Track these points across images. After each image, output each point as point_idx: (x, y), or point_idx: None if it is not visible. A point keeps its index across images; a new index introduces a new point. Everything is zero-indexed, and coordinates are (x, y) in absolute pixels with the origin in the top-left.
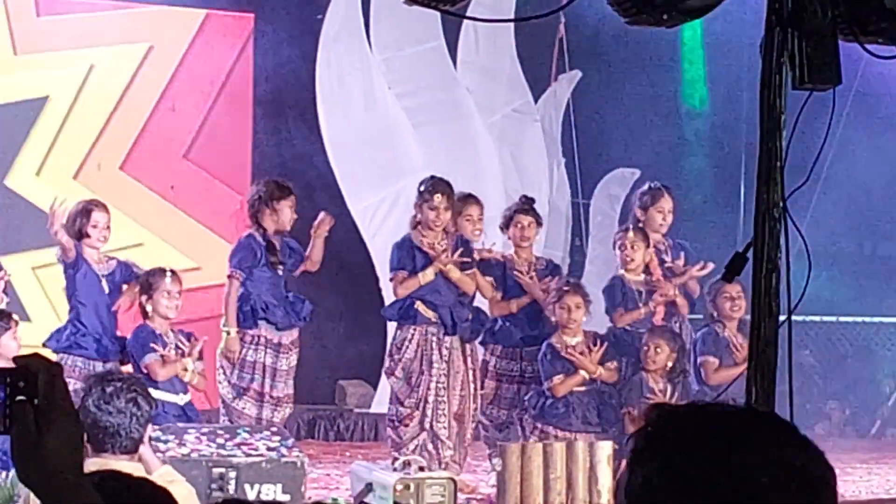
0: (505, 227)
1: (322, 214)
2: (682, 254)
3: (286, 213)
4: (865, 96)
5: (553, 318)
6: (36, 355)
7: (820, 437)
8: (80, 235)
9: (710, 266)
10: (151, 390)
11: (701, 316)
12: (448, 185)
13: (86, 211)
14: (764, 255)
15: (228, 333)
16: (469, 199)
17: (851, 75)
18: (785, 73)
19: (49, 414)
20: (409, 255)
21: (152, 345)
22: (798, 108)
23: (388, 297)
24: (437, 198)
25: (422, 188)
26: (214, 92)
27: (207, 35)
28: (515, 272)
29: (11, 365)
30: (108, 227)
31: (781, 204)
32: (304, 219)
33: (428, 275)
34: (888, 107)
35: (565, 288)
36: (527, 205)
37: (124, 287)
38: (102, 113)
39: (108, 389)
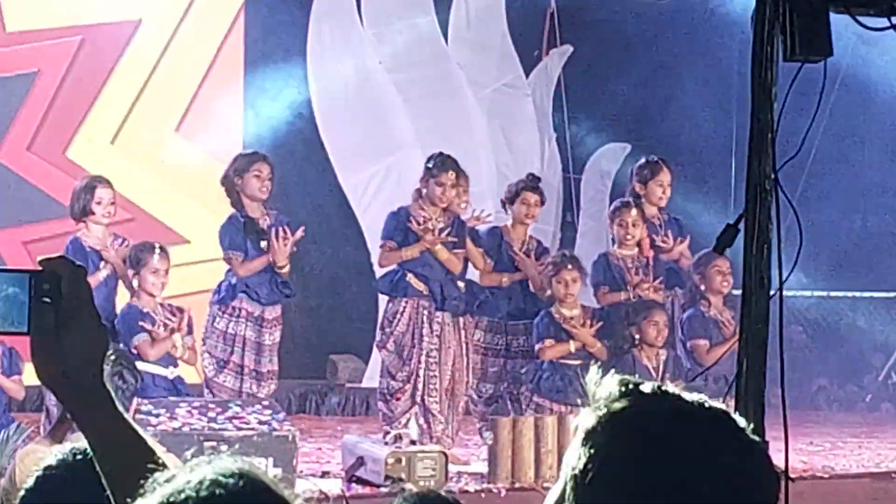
0: (510, 202)
1: (299, 232)
2: (676, 230)
3: (252, 183)
4: (857, 70)
5: (547, 292)
6: (61, 258)
7: (810, 412)
8: (85, 213)
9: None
10: (141, 363)
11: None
12: (457, 163)
13: (90, 187)
14: (755, 228)
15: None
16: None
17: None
18: (776, 45)
19: (71, 316)
20: (401, 227)
21: (140, 324)
22: (790, 81)
23: (380, 271)
24: (447, 175)
25: (430, 164)
26: (206, 66)
27: (198, 9)
28: (512, 251)
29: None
30: (113, 203)
31: (773, 176)
32: (295, 194)
33: (412, 251)
34: (880, 81)
35: (561, 261)
36: (535, 182)
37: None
38: (93, 87)
39: None
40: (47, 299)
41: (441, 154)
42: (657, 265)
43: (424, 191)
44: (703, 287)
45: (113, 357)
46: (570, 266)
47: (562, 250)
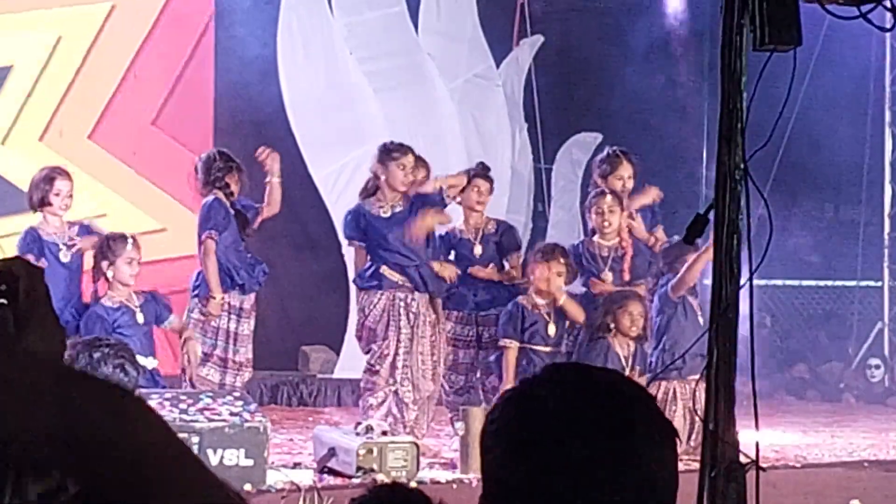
0: (460, 190)
1: (264, 150)
2: (650, 217)
3: (233, 187)
4: (828, 58)
5: (531, 278)
6: (18, 258)
7: (784, 401)
8: (43, 203)
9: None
10: None
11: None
12: (413, 150)
13: (48, 178)
14: (725, 217)
15: (213, 298)
16: (417, 161)
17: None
18: (746, 34)
19: (28, 317)
20: (358, 224)
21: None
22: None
23: (350, 263)
24: (408, 158)
25: (387, 147)
26: (180, 59)
27: (172, 1)
28: (467, 239)
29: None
30: (71, 196)
31: (742, 165)
32: (261, 185)
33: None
34: (851, 68)
35: (550, 252)
36: (486, 170)
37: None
38: (67, 80)
39: (96, 356)
40: (3, 300)
41: (394, 141)
42: (637, 256)
43: (383, 177)
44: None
45: (114, 350)
46: (559, 259)
47: (550, 242)
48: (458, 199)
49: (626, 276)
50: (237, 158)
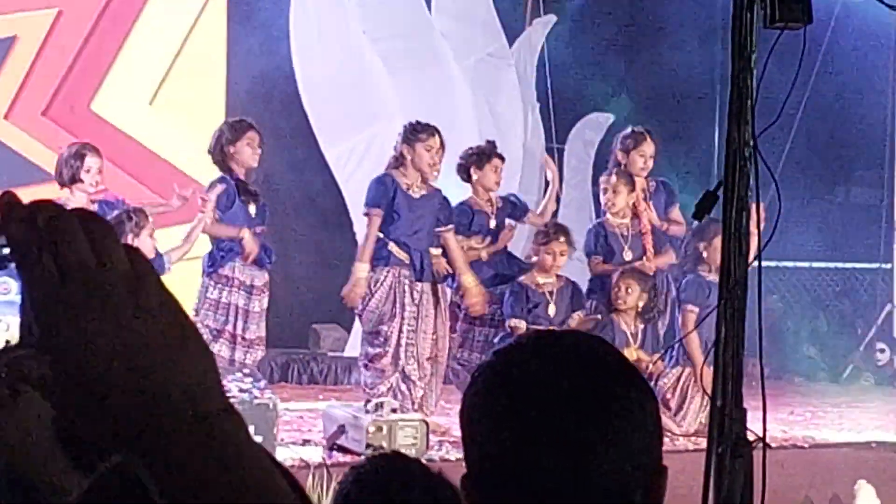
0: (477, 167)
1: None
2: (664, 196)
3: (245, 151)
4: (840, 40)
5: (534, 258)
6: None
7: (792, 382)
8: (73, 180)
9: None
10: None
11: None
12: (437, 129)
13: (79, 155)
14: (734, 195)
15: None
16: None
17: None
18: (756, 12)
19: None
20: (387, 193)
21: None
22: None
23: (361, 240)
24: (435, 139)
25: (413, 128)
26: (186, 30)
27: None
28: (484, 212)
29: None
30: (101, 172)
31: (752, 143)
32: (278, 165)
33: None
34: (862, 49)
35: (554, 232)
36: (495, 147)
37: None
38: (71, 52)
39: None
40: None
41: (419, 121)
42: (655, 235)
43: (409, 157)
44: (705, 255)
45: None
46: (561, 238)
47: (553, 220)
48: (475, 176)
49: (627, 256)
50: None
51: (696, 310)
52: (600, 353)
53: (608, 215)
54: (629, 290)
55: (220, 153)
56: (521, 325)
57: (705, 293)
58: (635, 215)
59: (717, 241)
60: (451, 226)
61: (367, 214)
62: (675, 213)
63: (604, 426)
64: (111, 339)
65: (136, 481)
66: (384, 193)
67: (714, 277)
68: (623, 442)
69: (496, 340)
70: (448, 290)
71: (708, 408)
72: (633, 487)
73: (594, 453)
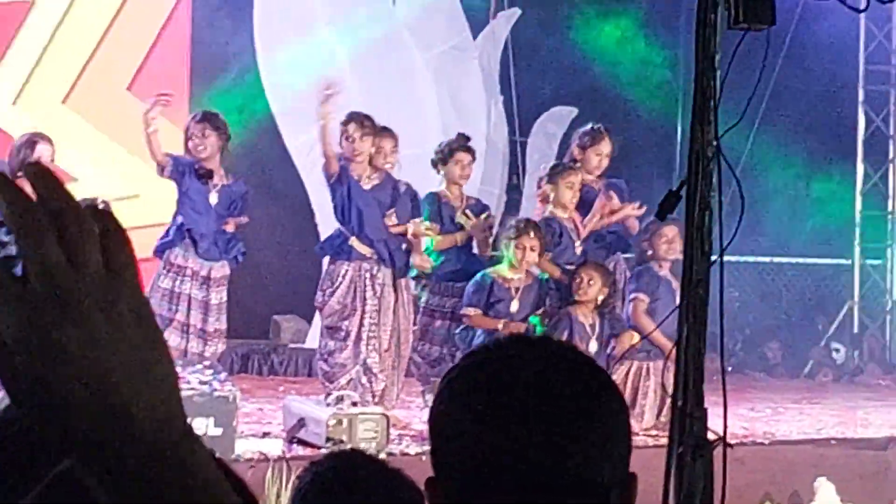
0: (442, 163)
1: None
2: (616, 193)
3: (194, 140)
4: (801, 40)
5: (489, 252)
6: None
7: (753, 378)
8: (22, 168)
9: (644, 208)
10: None
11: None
12: (360, 116)
13: (30, 143)
14: (697, 194)
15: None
16: (383, 131)
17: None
18: (720, 13)
19: None
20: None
21: None
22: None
23: (324, 233)
24: (351, 126)
25: (342, 120)
26: (156, 26)
27: None
28: (461, 213)
29: None
30: (52, 160)
31: (715, 143)
32: (244, 156)
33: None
34: (825, 46)
35: (524, 228)
36: (465, 141)
37: None
38: (41, 45)
39: None
40: None
41: (352, 112)
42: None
43: (339, 150)
44: (650, 253)
45: None
46: (532, 234)
47: (524, 216)
48: (442, 171)
49: (578, 250)
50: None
51: (646, 299)
52: (576, 359)
53: (555, 209)
54: (591, 282)
55: (188, 137)
56: (475, 313)
57: (655, 285)
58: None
59: (656, 239)
60: (419, 220)
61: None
62: (628, 211)
63: (583, 430)
64: (79, 349)
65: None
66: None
67: (664, 272)
68: (601, 446)
69: (456, 333)
70: (410, 283)
71: (661, 401)
72: (610, 491)
73: (573, 457)
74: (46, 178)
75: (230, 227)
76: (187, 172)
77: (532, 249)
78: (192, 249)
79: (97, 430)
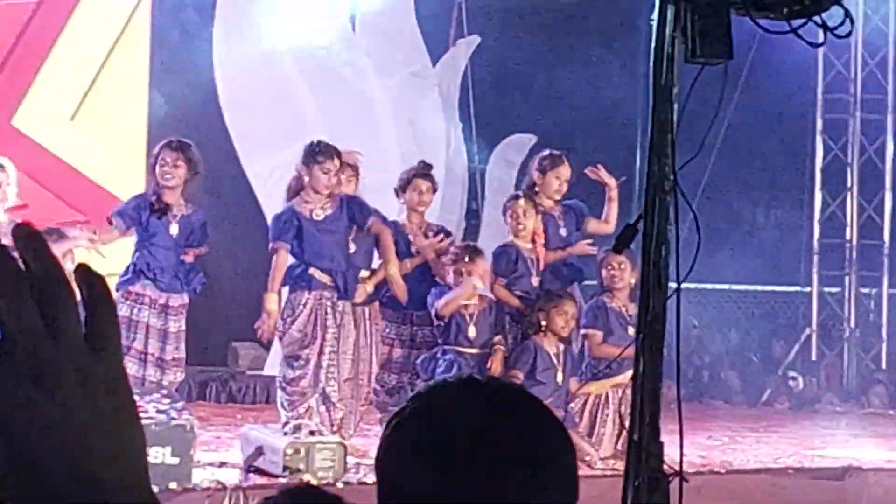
0: (402, 190)
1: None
2: (576, 215)
3: (163, 167)
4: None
5: (447, 278)
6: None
7: (710, 405)
8: None
9: (594, 249)
10: None
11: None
12: (339, 151)
13: None
14: (654, 228)
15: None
16: (343, 164)
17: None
18: (677, 47)
19: None
20: (289, 224)
21: None
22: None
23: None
24: (332, 162)
25: (312, 149)
26: (109, 47)
27: None
28: (410, 234)
29: None
30: (9, 184)
31: (672, 177)
32: (203, 182)
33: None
34: (783, 75)
35: (462, 251)
36: (425, 169)
37: None
38: None
39: None
40: None
41: (321, 141)
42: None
43: (307, 178)
44: (604, 283)
45: None
46: (475, 259)
47: (466, 241)
48: (402, 199)
49: (535, 281)
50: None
51: (599, 334)
52: (522, 401)
53: (516, 238)
54: (571, 317)
55: (151, 169)
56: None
57: (605, 318)
58: (533, 241)
59: (603, 269)
60: (374, 218)
61: (272, 249)
62: (591, 228)
63: (528, 475)
64: (51, 418)
65: None
66: (286, 228)
67: (618, 306)
68: (546, 489)
69: (418, 362)
70: (369, 311)
71: (620, 429)
72: None
73: (518, 500)
74: (33, 243)
75: (189, 258)
76: (142, 212)
77: (470, 274)
78: (152, 284)
79: (67, 496)
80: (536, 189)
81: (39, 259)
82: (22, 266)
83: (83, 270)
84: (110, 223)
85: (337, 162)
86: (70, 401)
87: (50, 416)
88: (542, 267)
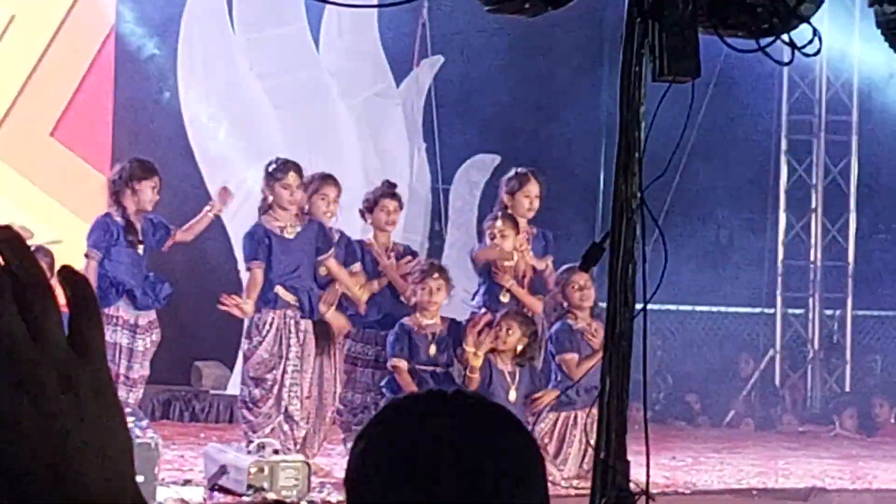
0: (368, 211)
1: (225, 190)
2: (542, 246)
3: (147, 193)
4: (725, 86)
5: (413, 299)
6: None
7: (675, 426)
8: None
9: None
10: None
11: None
12: (298, 165)
13: None
14: (621, 247)
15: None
16: (327, 178)
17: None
18: (645, 64)
19: None
20: (262, 243)
21: None
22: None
23: (246, 279)
24: (291, 176)
25: (271, 168)
26: (80, 70)
27: (74, 12)
28: (375, 252)
29: None
30: None
31: (639, 195)
32: (164, 198)
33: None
34: (748, 95)
35: (428, 269)
36: (391, 189)
37: None
38: None
39: None
40: None
41: (278, 158)
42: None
43: (270, 197)
44: (565, 303)
45: None
46: (435, 275)
47: (430, 259)
48: (369, 219)
49: (505, 298)
50: (151, 170)
51: (575, 356)
52: (489, 414)
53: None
54: (510, 332)
55: (121, 186)
56: (402, 364)
57: (576, 340)
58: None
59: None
60: (329, 253)
61: (248, 268)
62: (548, 263)
63: (497, 488)
64: (34, 423)
65: None
66: (257, 245)
67: (581, 325)
68: (517, 499)
69: (383, 384)
70: (331, 330)
71: (585, 449)
72: None
73: None
74: (15, 247)
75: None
76: (115, 238)
77: (438, 290)
78: (130, 305)
79: (51, 500)
80: (509, 211)
81: (21, 262)
82: (2, 269)
83: (67, 272)
84: (87, 257)
85: (296, 176)
86: (54, 406)
87: (33, 421)
88: (525, 284)
